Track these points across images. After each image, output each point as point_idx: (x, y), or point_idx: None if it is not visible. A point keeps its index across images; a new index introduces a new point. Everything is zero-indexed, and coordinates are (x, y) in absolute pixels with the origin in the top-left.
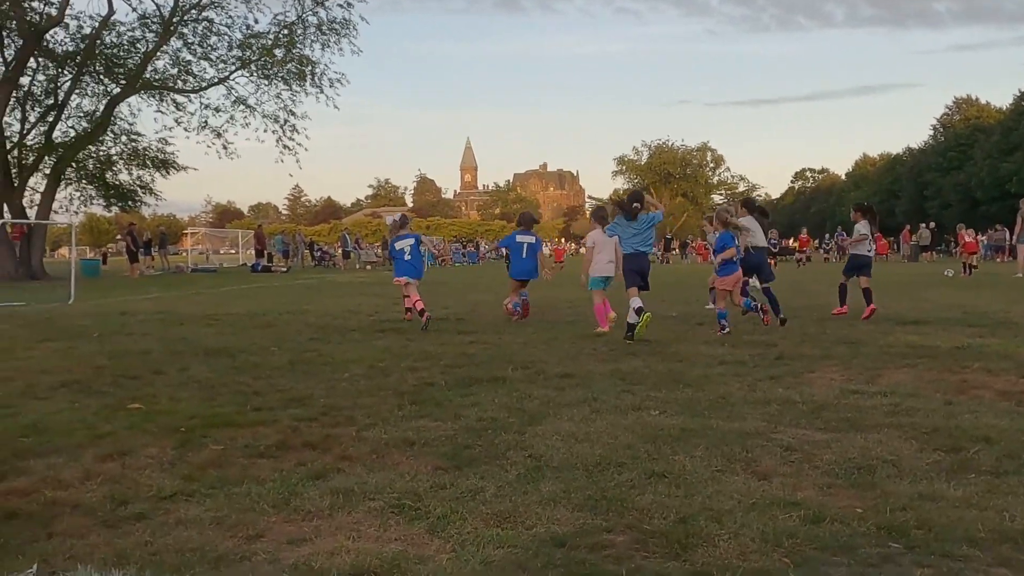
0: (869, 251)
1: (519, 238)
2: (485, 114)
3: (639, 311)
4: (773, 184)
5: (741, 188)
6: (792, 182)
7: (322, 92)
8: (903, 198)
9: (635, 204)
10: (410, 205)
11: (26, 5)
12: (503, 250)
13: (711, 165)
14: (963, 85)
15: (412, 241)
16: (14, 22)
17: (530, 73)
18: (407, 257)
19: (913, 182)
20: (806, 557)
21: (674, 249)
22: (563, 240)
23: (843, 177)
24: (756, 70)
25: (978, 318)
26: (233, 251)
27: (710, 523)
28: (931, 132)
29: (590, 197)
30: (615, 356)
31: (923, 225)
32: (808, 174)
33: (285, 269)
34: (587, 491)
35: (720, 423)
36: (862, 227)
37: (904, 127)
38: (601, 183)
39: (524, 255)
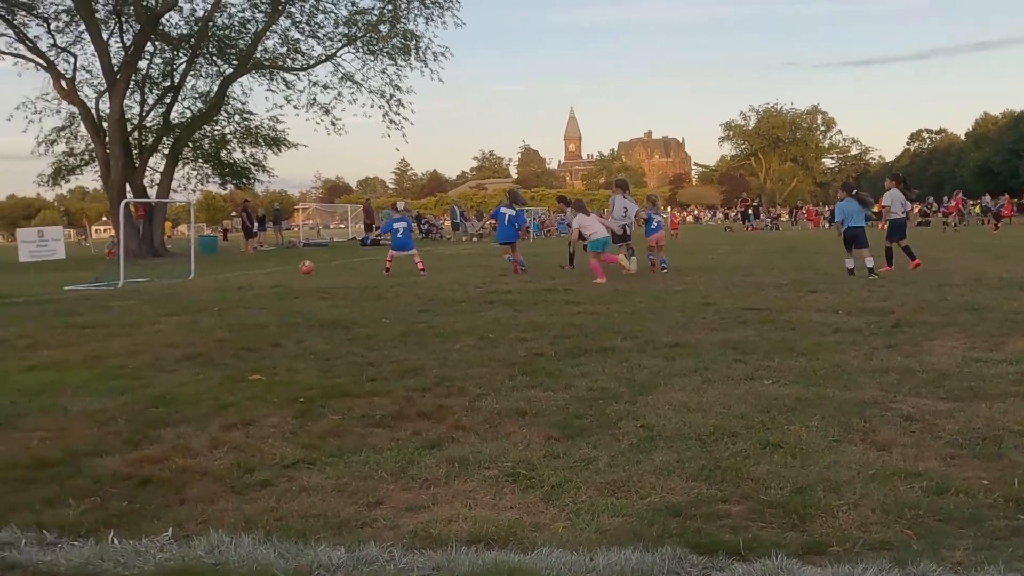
0: (903, 214)
1: (503, 210)
2: (589, 83)
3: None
4: (887, 146)
5: (854, 151)
6: (908, 144)
7: (426, 66)
8: None
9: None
10: (514, 176)
11: None
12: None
13: (822, 128)
14: None
15: (405, 224)
16: (132, 8)
17: (632, 40)
18: (399, 235)
19: None
20: (929, 529)
21: (781, 216)
22: (670, 208)
23: (962, 137)
24: (865, 29)
25: None
26: (343, 225)
27: (828, 494)
28: None
29: (696, 164)
30: (725, 325)
31: None
32: (925, 135)
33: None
34: (701, 461)
35: (836, 392)
36: (892, 194)
37: None
38: (708, 150)
39: (506, 223)
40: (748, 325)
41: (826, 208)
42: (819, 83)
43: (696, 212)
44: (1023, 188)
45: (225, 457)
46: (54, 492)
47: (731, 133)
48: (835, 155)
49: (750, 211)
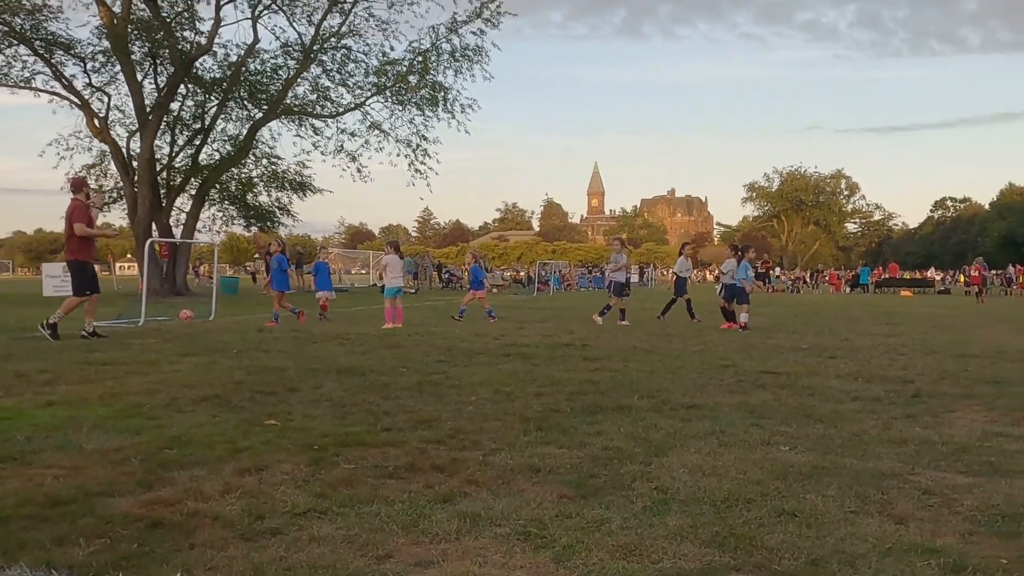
0: (736, 281)
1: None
2: (613, 139)
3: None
4: (911, 213)
5: (877, 216)
6: (931, 211)
7: (453, 117)
8: None
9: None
10: (536, 229)
11: (178, 35)
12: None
13: (845, 193)
14: None
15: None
16: (167, 51)
17: (657, 98)
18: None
19: None
20: None
21: (803, 279)
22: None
23: (987, 207)
24: (888, 96)
25: None
26: (364, 271)
27: (843, 567)
28: None
29: (718, 224)
30: (743, 388)
31: None
32: (949, 203)
33: (414, 291)
34: (714, 527)
35: (854, 462)
36: (729, 263)
37: None
38: (730, 210)
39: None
40: (766, 389)
41: (848, 272)
42: (843, 148)
43: (717, 272)
44: None
45: (237, 503)
46: (65, 531)
47: (754, 194)
48: (858, 220)
49: (770, 272)
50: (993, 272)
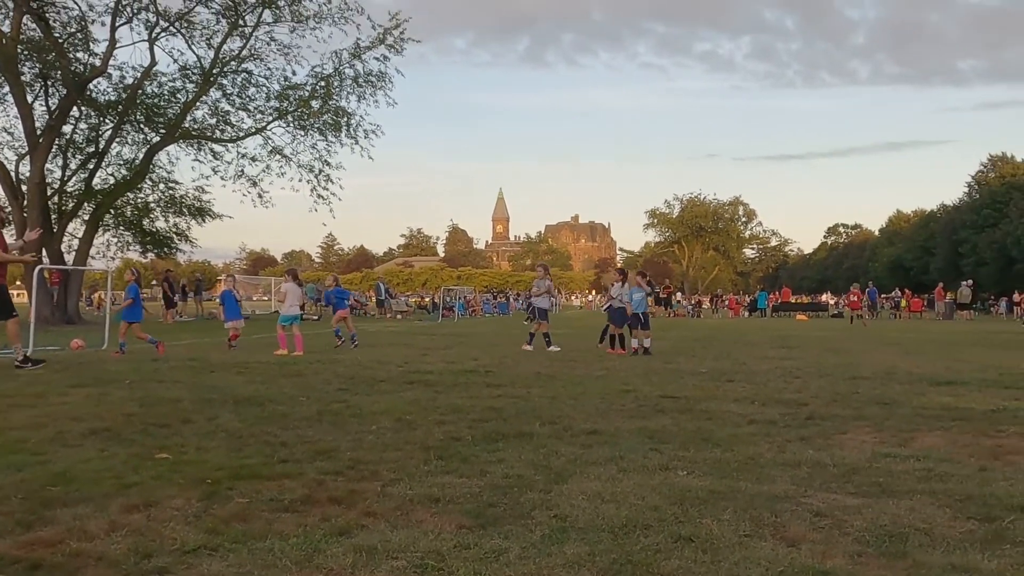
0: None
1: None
2: (517, 165)
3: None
4: (806, 239)
5: (773, 242)
6: (825, 237)
7: (357, 143)
8: (938, 255)
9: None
10: (441, 255)
11: (71, 56)
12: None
13: (743, 219)
14: (993, 143)
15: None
16: (59, 72)
17: (561, 125)
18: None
19: (948, 239)
20: None
21: (702, 303)
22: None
23: (876, 233)
24: (783, 126)
25: (1015, 379)
26: (266, 298)
27: None
28: (966, 189)
29: (621, 249)
30: (643, 413)
31: (964, 283)
32: (841, 229)
33: (316, 317)
34: (612, 554)
35: (749, 485)
36: (616, 288)
37: (936, 184)
38: (633, 235)
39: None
40: (666, 414)
41: (746, 297)
42: (740, 175)
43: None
44: (933, 284)
45: (123, 541)
46: None
47: (655, 220)
48: (756, 246)
49: (671, 297)
50: (882, 296)
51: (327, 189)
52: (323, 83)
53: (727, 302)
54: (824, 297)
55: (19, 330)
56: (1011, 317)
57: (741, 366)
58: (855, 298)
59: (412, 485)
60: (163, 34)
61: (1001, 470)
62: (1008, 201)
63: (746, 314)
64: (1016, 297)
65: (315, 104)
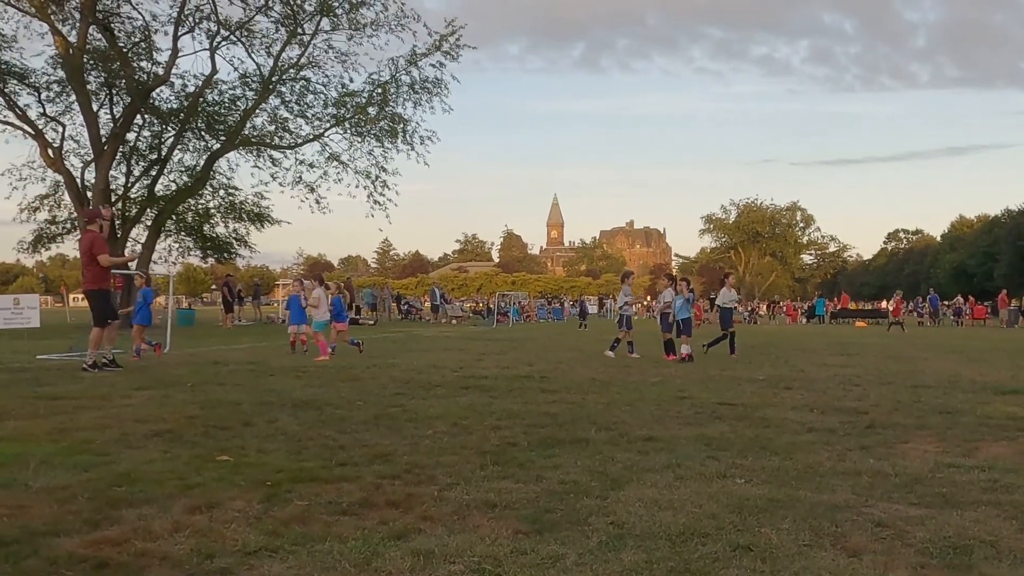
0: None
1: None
2: (572, 171)
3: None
4: (865, 244)
5: (832, 248)
6: (885, 243)
7: (413, 149)
8: (1002, 260)
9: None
10: (496, 260)
11: (135, 65)
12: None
13: (801, 225)
14: None
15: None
16: (123, 81)
17: (616, 131)
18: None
19: (1012, 244)
20: None
21: (759, 310)
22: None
23: (938, 239)
24: (841, 130)
25: None
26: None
27: None
28: None
29: (677, 255)
30: (700, 420)
31: None
32: (902, 235)
33: (372, 322)
34: (670, 562)
35: (808, 494)
36: (667, 295)
37: (1001, 188)
38: (688, 241)
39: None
40: (723, 421)
41: (804, 303)
42: (798, 180)
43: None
44: (997, 291)
45: (186, 542)
46: (8, 573)
47: (712, 226)
48: (814, 251)
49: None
50: (945, 303)
51: (383, 195)
52: (380, 90)
53: (784, 308)
54: (884, 304)
55: (105, 338)
56: None
57: (799, 373)
58: (895, 306)
59: (468, 490)
60: (224, 43)
61: None
62: None
63: (804, 321)
64: None
65: (372, 111)
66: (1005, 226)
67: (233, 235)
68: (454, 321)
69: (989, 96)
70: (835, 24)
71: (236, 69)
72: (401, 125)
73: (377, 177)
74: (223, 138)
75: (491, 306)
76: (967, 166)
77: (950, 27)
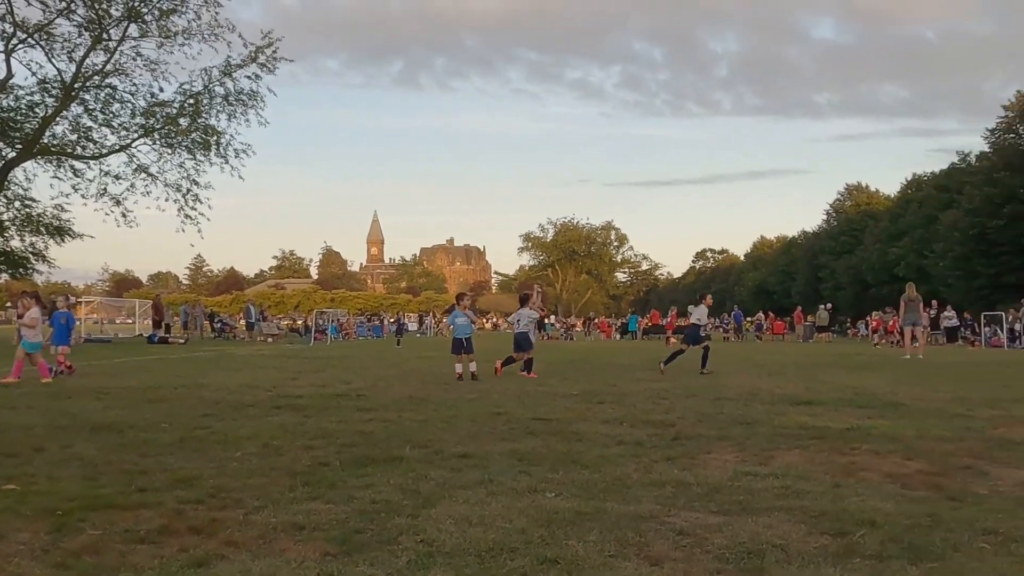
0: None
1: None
2: (392, 188)
3: None
4: (675, 263)
5: (644, 266)
6: (693, 261)
7: (227, 162)
8: (799, 279)
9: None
10: (315, 277)
11: None
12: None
13: (615, 244)
14: (849, 173)
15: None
16: None
17: (435, 148)
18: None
19: (808, 264)
20: None
21: (576, 327)
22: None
23: (742, 258)
24: (652, 153)
25: (868, 399)
26: (130, 321)
27: None
28: (824, 217)
29: (497, 272)
30: (514, 435)
31: (821, 306)
32: (709, 254)
33: (183, 341)
34: None
35: (615, 506)
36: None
37: (797, 211)
38: (508, 259)
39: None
40: (536, 436)
41: (618, 320)
42: (611, 200)
43: (495, 320)
44: (795, 307)
45: None
46: None
47: (530, 244)
48: (627, 269)
49: (545, 320)
50: (747, 319)
51: (195, 209)
52: (192, 100)
53: (599, 325)
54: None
55: None
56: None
57: (612, 388)
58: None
59: (276, 512)
60: (20, 45)
61: (853, 486)
62: (863, 228)
63: (618, 337)
64: (872, 321)
65: (183, 122)
66: (801, 247)
67: (30, 249)
68: (270, 339)
69: (786, 124)
70: (645, 52)
71: (34, 74)
72: (215, 137)
73: (188, 190)
74: (19, 146)
75: (309, 324)
76: (767, 190)
77: (749, 58)
